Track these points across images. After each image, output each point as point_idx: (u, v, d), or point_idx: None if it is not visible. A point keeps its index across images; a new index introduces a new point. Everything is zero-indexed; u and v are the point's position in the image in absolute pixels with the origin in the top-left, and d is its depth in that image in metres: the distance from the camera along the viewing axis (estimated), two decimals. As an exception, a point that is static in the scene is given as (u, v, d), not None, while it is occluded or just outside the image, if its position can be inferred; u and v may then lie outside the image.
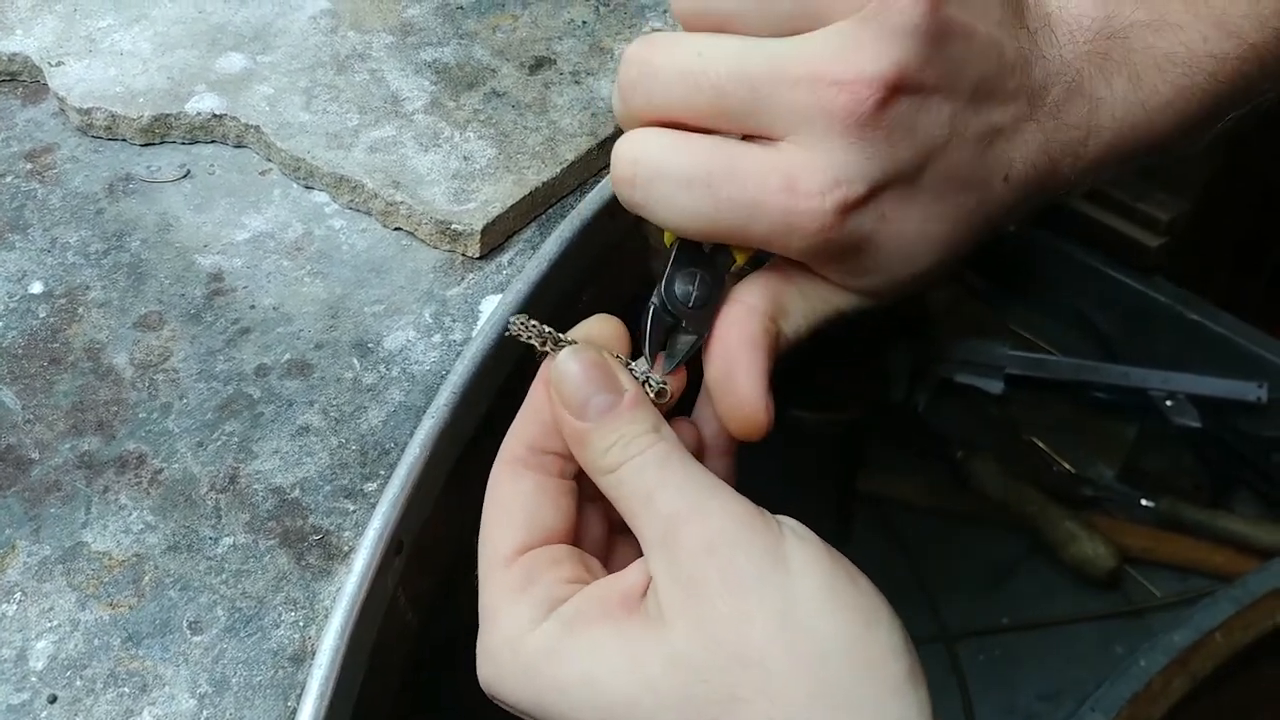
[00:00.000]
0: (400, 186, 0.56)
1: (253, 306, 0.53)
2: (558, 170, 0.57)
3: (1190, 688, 0.74)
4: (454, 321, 0.53)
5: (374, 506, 0.47)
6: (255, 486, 0.48)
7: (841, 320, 0.44)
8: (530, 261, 0.55)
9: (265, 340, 0.52)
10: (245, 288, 0.54)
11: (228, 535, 0.46)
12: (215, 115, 0.59)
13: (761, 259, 0.43)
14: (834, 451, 1.00)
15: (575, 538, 0.42)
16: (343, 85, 0.61)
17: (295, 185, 0.58)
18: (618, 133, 0.41)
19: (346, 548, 0.46)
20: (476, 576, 0.40)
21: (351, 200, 0.57)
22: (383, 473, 0.48)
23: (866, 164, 0.39)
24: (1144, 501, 0.99)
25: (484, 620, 0.39)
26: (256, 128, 0.59)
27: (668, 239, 0.42)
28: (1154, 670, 0.74)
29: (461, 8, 0.66)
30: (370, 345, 0.52)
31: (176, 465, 0.48)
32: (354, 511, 0.47)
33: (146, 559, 0.46)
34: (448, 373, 0.51)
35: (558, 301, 0.55)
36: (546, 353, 0.41)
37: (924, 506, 1.00)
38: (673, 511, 0.38)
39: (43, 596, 0.45)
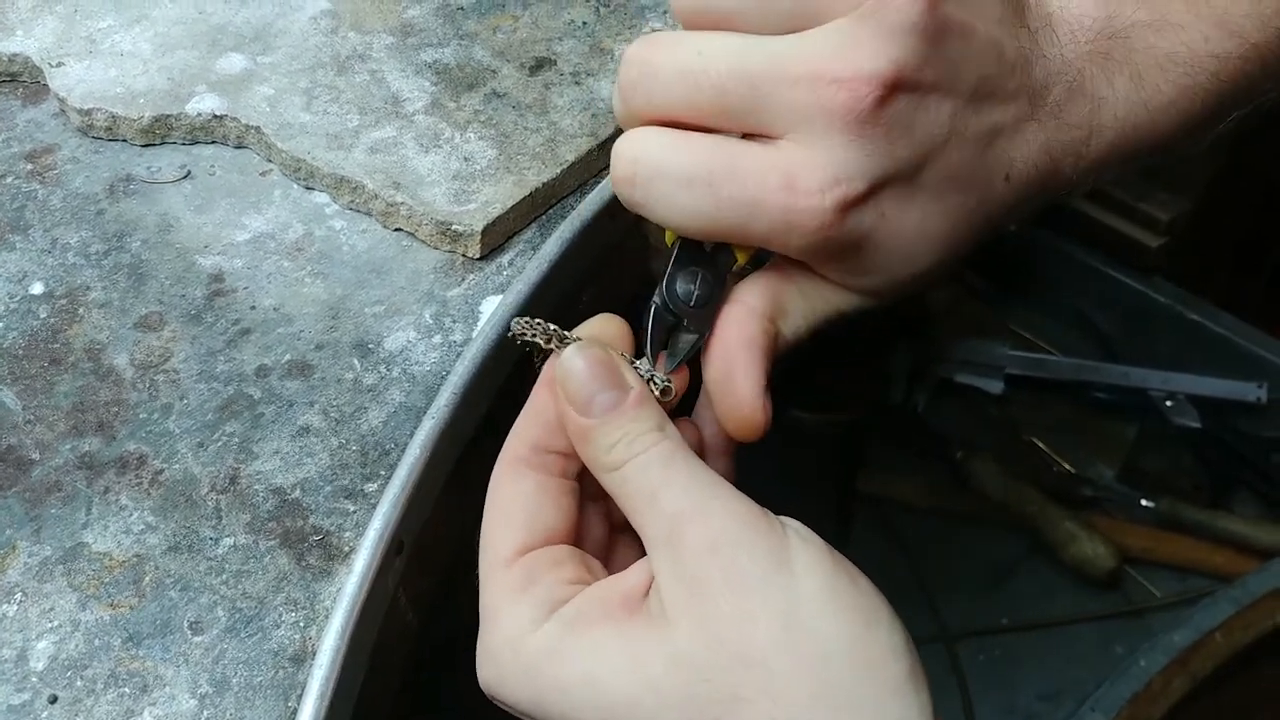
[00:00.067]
0: (401, 187, 0.56)
1: (253, 307, 0.53)
2: (558, 171, 0.57)
3: (1190, 688, 0.74)
4: (454, 322, 0.53)
5: (374, 507, 0.47)
6: (256, 487, 0.48)
7: (842, 320, 0.44)
8: (530, 262, 0.55)
9: (266, 341, 0.52)
10: (246, 288, 0.54)
11: (228, 536, 0.46)
12: (216, 116, 0.59)
13: (763, 258, 0.43)
14: (834, 452, 1.00)
15: (576, 538, 0.42)
16: (343, 86, 0.61)
17: (296, 186, 0.58)
18: (618, 133, 0.41)
19: (347, 548, 0.46)
20: (477, 577, 0.40)
21: (352, 201, 0.57)
22: (383, 473, 0.48)
23: (866, 162, 0.39)
24: (1144, 502, 0.99)
25: (485, 621, 0.39)
26: (257, 128, 0.59)
27: (669, 238, 0.42)
28: (1154, 670, 0.74)
29: (462, 8, 0.66)
30: (371, 346, 0.52)
31: (177, 466, 0.48)
32: (354, 512, 0.47)
33: (147, 559, 0.46)
34: (448, 373, 0.51)
35: (558, 302, 0.55)
36: (550, 352, 0.41)
37: (924, 507, 1.00)
38: (677, 510, 0.38)
39: (43, 597, 0.45)
